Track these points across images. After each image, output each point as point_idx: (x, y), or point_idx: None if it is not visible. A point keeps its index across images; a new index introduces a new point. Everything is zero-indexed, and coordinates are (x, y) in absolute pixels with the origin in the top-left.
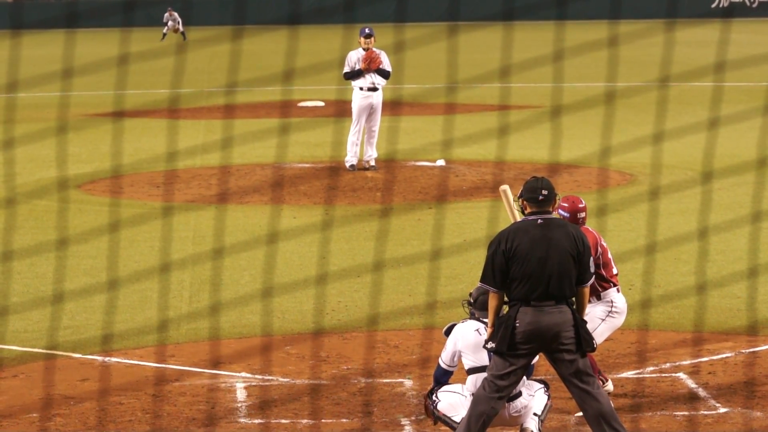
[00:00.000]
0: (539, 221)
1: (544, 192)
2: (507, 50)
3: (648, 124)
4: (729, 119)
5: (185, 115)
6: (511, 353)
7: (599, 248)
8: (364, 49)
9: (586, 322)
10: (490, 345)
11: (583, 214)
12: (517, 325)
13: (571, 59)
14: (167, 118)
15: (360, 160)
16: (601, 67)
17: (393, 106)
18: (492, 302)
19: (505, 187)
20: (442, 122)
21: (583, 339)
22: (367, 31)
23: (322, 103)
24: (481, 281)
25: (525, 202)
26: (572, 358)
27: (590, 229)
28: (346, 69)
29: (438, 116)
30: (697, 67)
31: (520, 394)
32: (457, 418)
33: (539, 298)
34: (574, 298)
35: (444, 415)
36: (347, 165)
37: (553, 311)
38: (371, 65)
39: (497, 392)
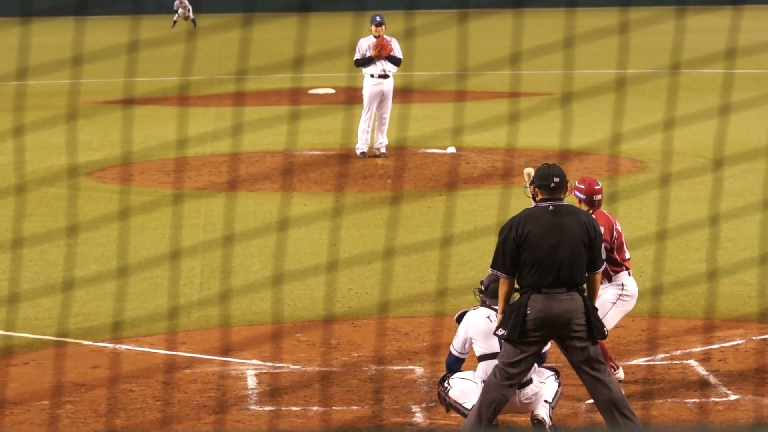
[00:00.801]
0: (551, 208)
1: (556, 179)
2: (517, 37)
3: (659, 111)
4: (740, 106)
5: (195, 103)
6: (522, 340)
7: (614, 232)
8: (375, 37)
9: (597, 309)
10: (501, 332)
11: (599, 197)
12: (528, 312)
13: (581, 46)
14: (177, 105)
15: (371, 148)
16: (611, 54)
17: (403, 94)
18: (502, 288)
19: (529, 169)
20: (452, 109)
21: (594, 326)
22: (378, 19)
23: (332, 90)
24: (491, 267)
25: (536, 189)
26: (583, 345)
27: (605, 212)
28: (357, 56)
29: (448, 103)
30: (707, 54)
31: (530, 381)
32: (469, 405)
33: (550, 285)
34: (585, 285)
35: (455, 402)
36: (358, 152)
37: (564, 298)
38: (382, 52)
39: (508, 379)
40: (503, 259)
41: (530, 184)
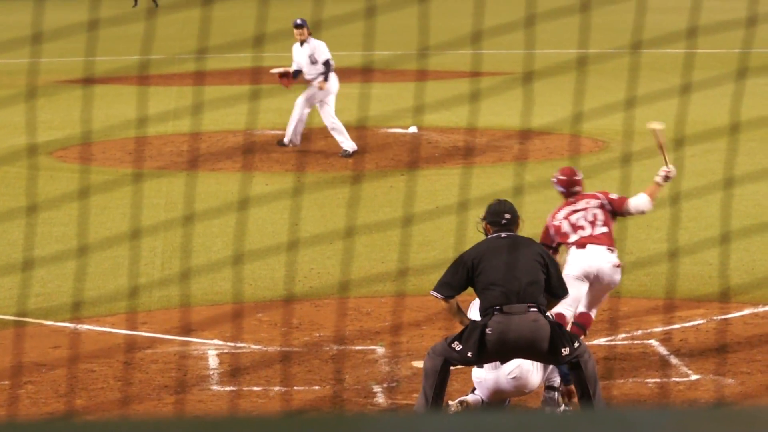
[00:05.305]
0: (503, 235)
1: (507, 216)
2: (478, 16)
3: (620, 91)
4: (701, 85)
5: (156, 82)
6: (479, 358)
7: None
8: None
9: (562, 327)
10: (459, 347)
11: (578, 188)
12: (489, 332)
13: (542, 25)
14: (138, 84)
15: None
16: (572, 33)
17: (364, 73)
18: (450, 310)
19: (656, 125)
20: (413, 89)
21: (557, 349)
22: (298, 21)
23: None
24: (433, 290)
25: (488, 226)
26: (547, 360)
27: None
28: (295, 67)
29: (410, 83)
30: (669, 33)
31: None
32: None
33: (510, 302)
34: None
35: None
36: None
37: (525, 321)
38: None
39: (447, 354)
40: (446, 281)
41: (482, 220)
